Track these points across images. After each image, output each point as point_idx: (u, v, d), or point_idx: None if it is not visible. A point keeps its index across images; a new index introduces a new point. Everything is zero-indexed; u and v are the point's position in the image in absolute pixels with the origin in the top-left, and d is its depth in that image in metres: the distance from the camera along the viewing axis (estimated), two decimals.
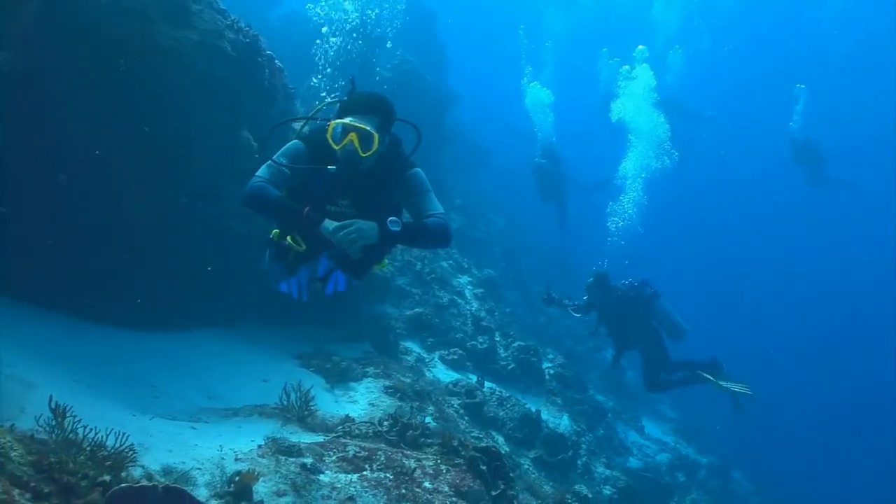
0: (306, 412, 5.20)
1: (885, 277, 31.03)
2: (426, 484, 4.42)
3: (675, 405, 15.70)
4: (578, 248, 16.27)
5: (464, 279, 10.68)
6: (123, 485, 2.47)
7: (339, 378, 6.73)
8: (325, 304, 7.39)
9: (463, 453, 4.72)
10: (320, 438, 4.81)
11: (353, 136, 3.15)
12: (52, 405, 3.31)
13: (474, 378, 8.26)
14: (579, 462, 8.23)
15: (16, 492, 2.41)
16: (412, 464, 4.56)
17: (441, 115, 14.83)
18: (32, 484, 2.53)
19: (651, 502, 9.72)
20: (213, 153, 6.08)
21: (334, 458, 4.40)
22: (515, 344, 9.56)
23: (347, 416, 5.49)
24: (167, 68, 5.43)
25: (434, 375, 7.97)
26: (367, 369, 7.08)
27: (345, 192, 3.41)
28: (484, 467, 4.57)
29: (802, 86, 17.16)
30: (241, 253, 6.28)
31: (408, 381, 7.15)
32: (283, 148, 3.38)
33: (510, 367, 9.21)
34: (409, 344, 8.35)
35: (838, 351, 30.88)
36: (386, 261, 3.90)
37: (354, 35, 13.46)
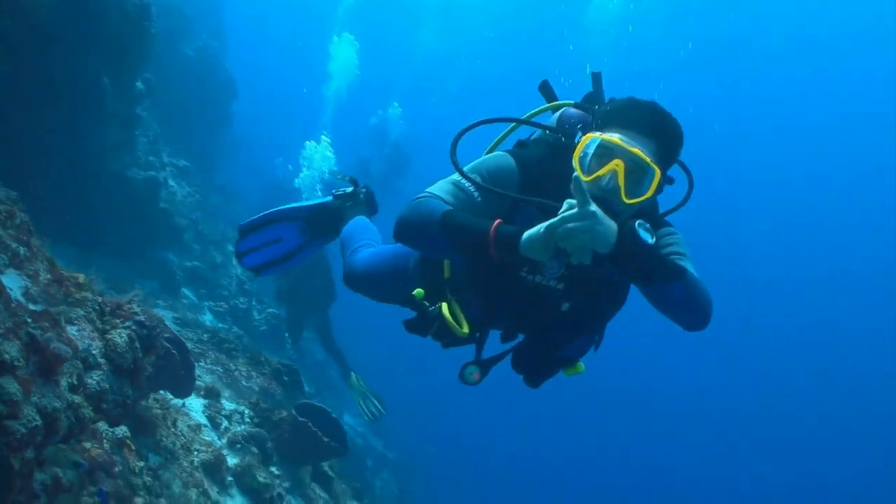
0: None
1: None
2: (243, 382, 5.95)
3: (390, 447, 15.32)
4: None
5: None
6: None
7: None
8: (122, 236, 8.32)
9: (267, 366, 6.32)
10: None
11: (617, 165, 1.91)
12: None
13: (236, 329, 9.64)
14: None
15: None
16: (232, 366, 6.04)
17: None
18: None
19: None
20: None
21: None
22: (269, 310, 11.09)
23: None
24: None
25: (205, 321, 9.20)
26: (158, 302, 8.14)
27: None
28: (286, 378, 6.23)
29: None
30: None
31: (191, 317, 8.34)
32: (483, 163, 2.23)
33: (262, 328, 10.70)
34: (185, 290, 9.44)
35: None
36: (582, 363, 2.42)
37: None
